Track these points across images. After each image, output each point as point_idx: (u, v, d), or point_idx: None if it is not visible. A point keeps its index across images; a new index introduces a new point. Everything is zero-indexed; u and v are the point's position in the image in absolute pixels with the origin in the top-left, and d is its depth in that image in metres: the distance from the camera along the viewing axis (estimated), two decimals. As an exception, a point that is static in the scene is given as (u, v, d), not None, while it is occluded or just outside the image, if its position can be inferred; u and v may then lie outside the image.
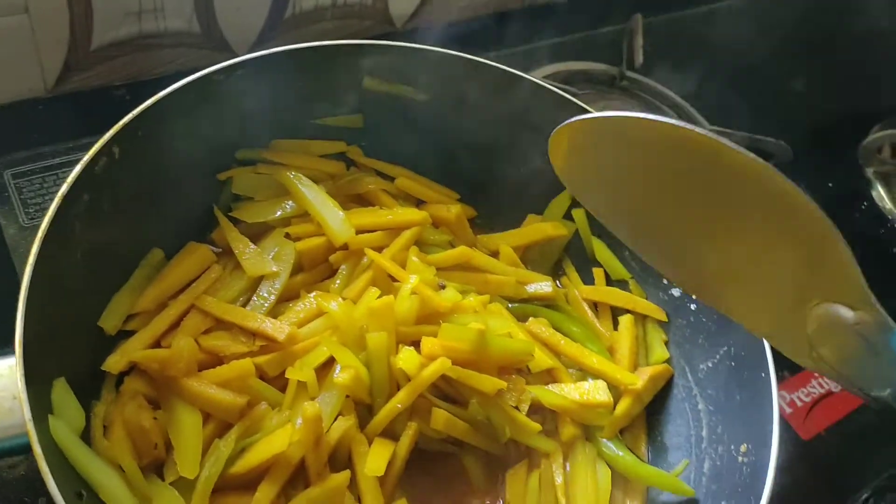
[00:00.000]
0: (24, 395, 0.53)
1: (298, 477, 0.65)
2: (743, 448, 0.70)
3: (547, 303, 0.85)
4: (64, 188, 0.62)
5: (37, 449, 0.52)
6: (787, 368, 1.03)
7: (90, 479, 0.58)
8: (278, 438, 0.63)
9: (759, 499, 0.63)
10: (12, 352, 0.56)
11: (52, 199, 0.90)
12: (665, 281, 0.85)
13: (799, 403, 1.00)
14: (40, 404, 0.56)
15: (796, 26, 1.18)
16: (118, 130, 0.66)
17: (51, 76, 1.01)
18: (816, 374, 1.03)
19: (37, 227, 0.86)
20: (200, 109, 0.74)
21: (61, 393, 0.60)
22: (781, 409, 0.75)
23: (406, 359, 0.69)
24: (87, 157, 0.64)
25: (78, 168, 0.63)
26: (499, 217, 0.91)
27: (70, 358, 0.63)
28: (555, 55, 1.24)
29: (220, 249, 0.79)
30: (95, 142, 0.91)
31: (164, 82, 0.71)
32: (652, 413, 0.80)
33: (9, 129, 0.97)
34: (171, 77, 0.72)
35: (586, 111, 0.85)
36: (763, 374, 0.71)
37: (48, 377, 0.59)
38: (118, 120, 0.69)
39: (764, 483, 0.64)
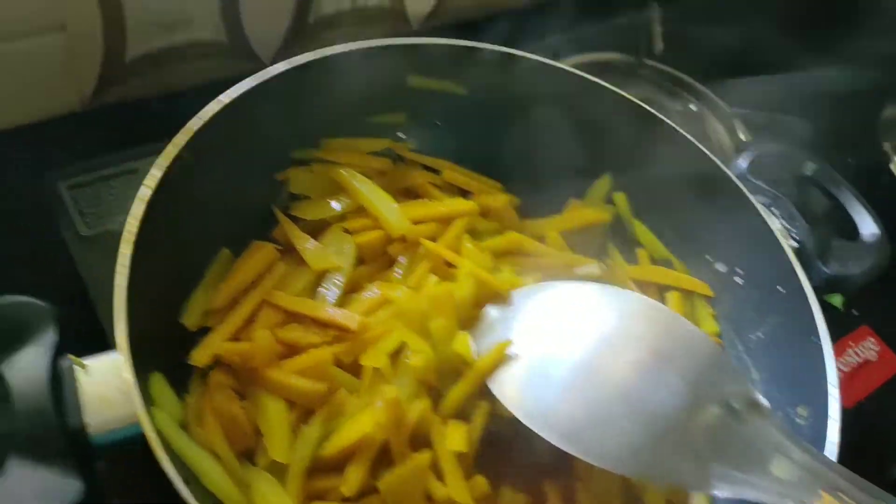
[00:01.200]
0: (133, 382, 0.55)
1: (381, 460, 0.67)
2: (801, 410, 0.73)
3: (596, 285, 0.88)
4: (148, 193, 0.64)
5: (151, 435, 0.54)
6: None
7: (194, 466, 0.60)
8: (364, 420, 0.65)
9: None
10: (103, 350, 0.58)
11: (107, 209, 0.92)
12: (708, 257, 0.88)
13: (836, 373, 1.03)
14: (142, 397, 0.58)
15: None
16: (192, 135, 0.69)
17: (88, 91, 1.04)
18: (852, 343, 1.06)
19: (98, 236, 0.89)
20: (261, 111, 0.76)
21: (159, 386, 0.62)
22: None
23: (462, 343, 0.72)
24: (164, 162, 0.66)
25: (159, 173, 0.65)
26: (540, 204, 0.93)
27: (157, 354, 0.65)
28: (572, 48, 1.27)
29: (283, 247, 0.81)
30: (141, 152, 0.94)
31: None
32: (706, 385, 0.83)
33: (54, 143, 0.98)
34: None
35: (616, 93, 0.89)
36: (814, 339, 0.74)
37: (144, 372, 0.62)
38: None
39: (825, 437, 0.66)
